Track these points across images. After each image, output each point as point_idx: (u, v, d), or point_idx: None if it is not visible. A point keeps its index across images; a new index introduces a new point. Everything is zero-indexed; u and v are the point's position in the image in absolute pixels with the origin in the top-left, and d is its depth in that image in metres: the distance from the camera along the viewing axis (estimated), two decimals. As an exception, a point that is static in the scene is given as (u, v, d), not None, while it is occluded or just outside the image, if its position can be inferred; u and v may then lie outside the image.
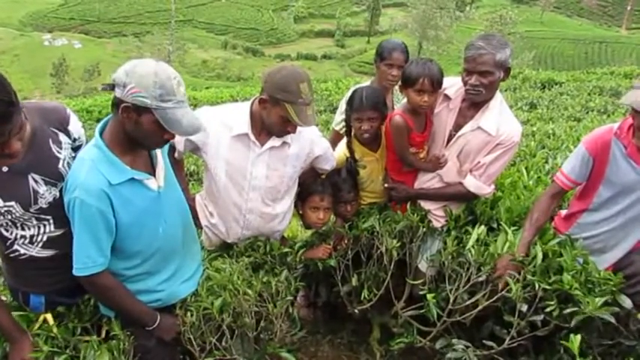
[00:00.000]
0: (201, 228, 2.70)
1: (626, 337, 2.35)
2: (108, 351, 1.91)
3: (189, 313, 2.13)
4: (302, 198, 2.83)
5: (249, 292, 2.26)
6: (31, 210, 1.88)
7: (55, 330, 1.98)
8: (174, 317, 2.17)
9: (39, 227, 1.93)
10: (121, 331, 2.00)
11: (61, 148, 1.94)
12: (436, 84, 2.53)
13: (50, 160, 1.91)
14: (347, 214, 2.91)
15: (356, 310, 2.87)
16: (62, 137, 1.96)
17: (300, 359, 3.12)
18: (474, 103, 2.59)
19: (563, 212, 2.69)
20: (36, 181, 1.87)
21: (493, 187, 2.73)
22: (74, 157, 1.97)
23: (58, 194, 1.93)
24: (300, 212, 2.88)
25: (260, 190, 2.55)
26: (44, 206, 1.90)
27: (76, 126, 2.02)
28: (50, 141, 1.91)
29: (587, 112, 8.10)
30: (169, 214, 2.12)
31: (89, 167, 1.86)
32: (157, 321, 2.11)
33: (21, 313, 2.03)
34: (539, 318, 2.28)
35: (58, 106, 2.02)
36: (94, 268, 1.91)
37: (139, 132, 1.86)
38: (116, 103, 1.83)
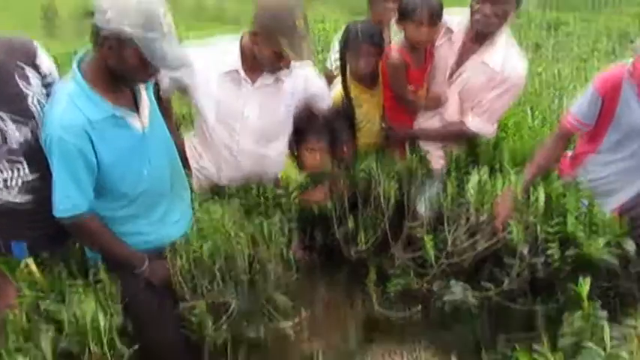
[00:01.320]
0: (191, 171, 2.59)
1: (625, 280, 2.29)
2: (94, 295, 1.84)
3: (178, 257, 2.05)
4: (297, 139, 2.69)
5: (242, 235, 2.18)
6: (1, 150, 1.76)
7: (38, 275, 1.90)
8: (163, 261, 2.09)
9: (12, 171, 1.81)
10: (107, 274, 1.93)
11: (29, 84, 1.79)
12: (436, 16, 2.34)
13: (16, 96, 1.76)
14: (343, 156, 2.79)
15: (352, 254, 2.80)
16: (29, 72, 1.80)
17: (295, 302, 3.09)
18: (478, 37, 2.41)
19: (569, 154, 2.57)
20: (2, 119, 1.73)
21: (496, 126, 2.60)
22: (47, 95, 1.83)
23: (30, 135, 1.80)
24: (295, 154, 2.76)
25: (252, 130, 2.41)
26: (14, 147, 1.77)
27: (45, 61, 1.86)
28: (16, 76, 1.76)
29: (595, 54, 7.81)
30: (155, 156, 2.01)
31: (66, 103, 1.73)
32: (146, 264, 2.03)
33: (3, 259, 1.95)
34: (539, 260, 2.21)
35: (25, 40, 1.85)
36: (76, 210, 1.81)
37: (120, 65, 1.71)
38: (96, 32, 1.67)
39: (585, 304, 1.38)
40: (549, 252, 2.15)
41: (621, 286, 2.25)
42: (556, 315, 2.65)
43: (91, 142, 1.77)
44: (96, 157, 1.80)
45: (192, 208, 2.32)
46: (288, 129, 2.56)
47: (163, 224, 2.10)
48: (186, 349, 2.31)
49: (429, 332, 2.85)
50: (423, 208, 2.70)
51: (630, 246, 2.17)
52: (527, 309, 2.60)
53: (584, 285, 1.41)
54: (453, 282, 2.39)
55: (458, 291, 2.32)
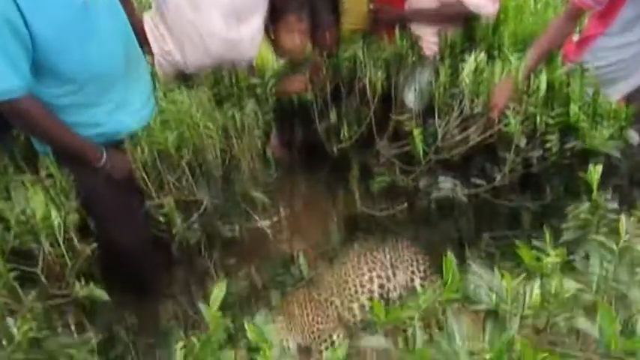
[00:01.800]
0: (153, 55, 2.28)
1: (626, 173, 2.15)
2: (43, 190, 1.63)
3: (139, 148, 1.82)
4: (274, 19, 2.36)
5: (211, 126, 1.95)
6: None
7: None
8: (123, 153, 1.87)
9: None
10: (58, 168, 1.71)
11: None
12: None
13: None
14: (326, 41, 2.48)
15: (335, 149, 2.61)
16: None
17: (275, 200, 2.95)
18: None
19: (575, 37, 2.32)
20: None
21: (497, 6, 2.30)
22: None
23: None
24: (272, 37, 2.44)
25: (221, 5, 2.09)
26: None
27: None
28: None
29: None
30: (104, 33, 1.72)
31: None
32: (103, 157, 1.81)
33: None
34: (536, 154, 2.05)
35: None
36: (12, 92, 1.55)
37: None
38: None
39: (595, 193, 1.23)
40: (548, 144, 1.98)
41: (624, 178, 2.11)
42: (550, 212, 2.57)
43: (20, 11, 1.47)
44: (28, 29, 1.51)
45: (156, 98, 2.06)
46: (262, 5, 2.23)
47: (119, 113, 1.84)
48: (155, 249, 2.17)
49: (413, 230, 2.76)
50: (412, 98, 2.47)
51: (634, 139, 2.01)
52: (515, 205, 2.50)
53: (595, 172, 1.24)
54: (442, 178, 2.23)
55: (447, 187, 2.17)
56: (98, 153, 1.80)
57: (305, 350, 2.29)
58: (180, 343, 0.97)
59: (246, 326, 0.92)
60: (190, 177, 1.95)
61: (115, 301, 2.33)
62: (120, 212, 1.93)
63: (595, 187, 1.25)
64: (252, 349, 0.96)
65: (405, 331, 1.09)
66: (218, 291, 0.97)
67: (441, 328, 0.99)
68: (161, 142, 1.85)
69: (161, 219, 1.91)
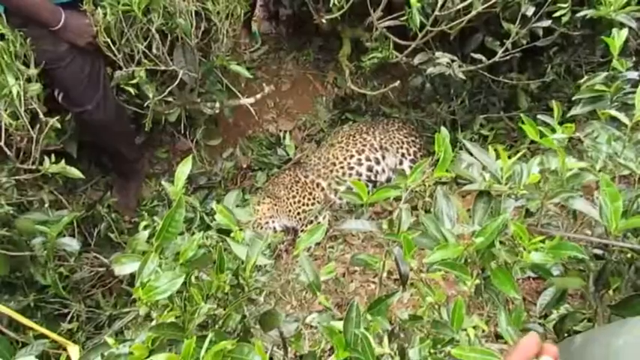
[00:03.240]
0: None
1: None
2: (-5, 55, 1.45)
3: (100, 10, 1.60)
4: None
5: (183, -13, 1.71)
6: None
7: None
8: (85, 16, 1.65)
9: None
10: (11, 30, 1.50)
11: None
12: None
13: None
14: None
15: (324, 21, 2.37)
16: None
17: (260, 78, 2.76)
18: None
19: None
20: None
21: None
22: None
23: None
24: None
25: None
26: None
27: None
28: None
29: None
30: None
31: None
32: (62, 19, 1.60)
33: None
34: (544, 25, 1.85)
35: None
36: None
37: None
38: None
39: (616, 59, 1.07)
40: (557, 14, 1.77)
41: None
42: (550, 94, 2.43)
43: None
44: None
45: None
46: None
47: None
48: (132, 125, 2.04)
49: (405, 112, 2.63)
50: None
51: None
52: (513, 84, 2.35)
53: (619, 37, 1.08)
54: (439, 53, 2.04)
55: (443, 62, 1.98)
56: (55, 14, 1.60)
57: (290, 231, 2.28)
58: (143, 223, 0.88)
59: (214, 207, 0.82)
60: (161, 45, 1.74)
61: (95, 180, 2.28)
62: (87, 81, 1.76)
63: (617, 52, 1.09)
64: (222, 231, 0.87)
65: (391, 212, 1.00)
66: (182, 167, 0.85)
67: (429, 211, 0.90)
68: (127, 2, 1.62)
69: (132, 91, 1.73)
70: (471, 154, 0.96)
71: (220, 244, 0.84)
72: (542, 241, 0.80)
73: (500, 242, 0.86)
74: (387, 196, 0.89)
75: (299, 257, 0.81)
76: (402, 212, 0.91)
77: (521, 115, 0.98)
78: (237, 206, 0.92)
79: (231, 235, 0.84)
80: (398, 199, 0.96)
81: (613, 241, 0.88)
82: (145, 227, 0.88)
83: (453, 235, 0.83)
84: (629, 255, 0.92)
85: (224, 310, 0.77)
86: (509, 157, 0.91)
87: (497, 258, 0.82)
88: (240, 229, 0.85)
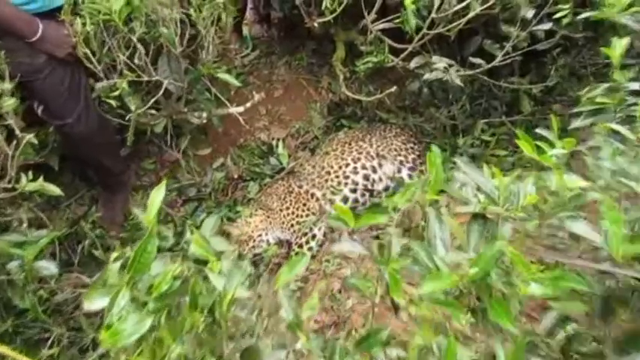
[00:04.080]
0: None
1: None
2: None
3: (79, 20, 1.57)
4: None
5: (166, -7, 1.68)
6: None
7: None
8: (63, 26, 1.62)
9: None
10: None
11: None
12: None
13: None
14: None
15: (316, 24, 2.34)
16: None
17: (252, 84, 2.73)
18: None
19: None
20: None
21: None
22: None
23: None
24: None
25: None
26: None
27: None
28: None
29: None
30: None
31: None
32: (39, 30, 1.57)
33: None
34: (545, 27, 1.82)
35: None
36: None
37: None
38: None
39: (617, 70, 1.04)
40: (559, 15, 1.73)
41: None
42: (553, 98, 2.40)
43: None
44: None
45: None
46: None
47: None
48: (117, 137, 2.01)
49: (402, 117, 2.60)
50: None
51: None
52: (515, 89, 2.32)
53: (619, 45, 1.04)
54: (436, 57, 2.00)
55: (440, 67, 1.95)
56: (32, 25, 1.57)
57: (284, 244, 2.24)
58: (115, 255, 0.84)
59: (188, 235, 0.79)
60: (144, 54, 1.71)
61: (80, 194, 2.24)
62: (67, 94, 1.73)
63: (618, 62, 1.05)
64: (199, 261, 0.83)
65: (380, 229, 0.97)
66: (156, 193, 0.81)
67: (420, 236, 0.86)
68: (107, 11, 1.58)
69: (113, 103, 1.70)
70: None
71: (196, 275, 0.81)
72: (542, 269, 0.76)
73: (498, 267, 0.82)
74: (374, 221, 0.85)
75: (278, 293, 0.78)
76: (391, 237, 0.87)
77: (517, 130, 0.94)
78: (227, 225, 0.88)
79: (208, 265, 0.81)
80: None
81: (618, 270, 0.84)
82: (117, 258, 0.85)
83: (445, 264, 0.80)
84: (632, 282, 0.88)
85: (200, 349, 0.74)
86: (511, 168, 0.88)
87: (494, 288, 0.79)
88: (219, 259, 0.81)
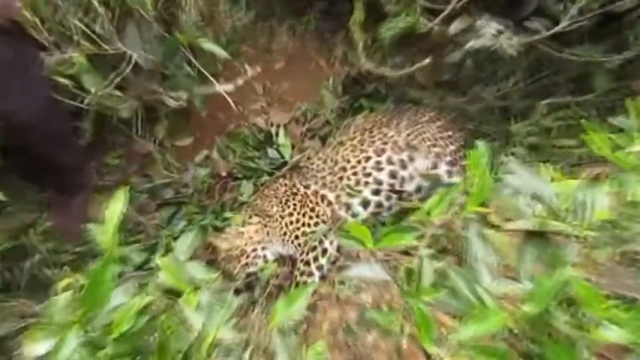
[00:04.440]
0: None
1: None
2: None
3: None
4: None
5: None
6: None
7: None
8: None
9: None
10: None
11: None
12: None
13: None
14: None
15: (327, -21, 2.34)
16: None
17: (244, 54, 2.73)
18: None
19: None
20: None
21: None
22: None
23: None
24: None
25: None
26: None
27: None
28: None
29: None
30: None
31: None
32: None
33: None
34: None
35: None
36: None
37: None
38: None
39: None
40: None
41: None
42: (633, 73, 2.38)
43: None
44: None
45: None
46: None
47: None
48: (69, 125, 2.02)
49: (439, 97, 2.59)
50: None
51: None
52: (584, 62, 2.30)
53: None
54: (481, 21, 1.99)
55: (488, 33, 1.94)
56: None
57: (287, 261, 2.24)
58: (64, 282, 0.84)
59: (157, 261, 0.78)
60: (108, 20, 1.71)
61: (25, 201, 2.26)
62: (9, 71, 1.74)
63: None
64: (172, 291, 0.83)
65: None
66: (114, 205, 0.81)
67: (459, 257, 0.85)
68: (57, -33, 1.59)
69: (68, 82, 1.71)
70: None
71: (168, 309, 0.80)
72: (619, 305, 0.75)
73: (560, 302, 0.81)
74: (399, 242, 0.84)
75: (272, 335, 0.77)
76: (422, 261, 0.86)
77: (583, 118, 0.92)
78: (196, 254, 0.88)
79: (183, 298, 0.80)
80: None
81: None
82: (66, 288, 0.85)
83: (491, 297, 0.78)
84: None
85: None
86: (580, 164, 0.86)
87: (555, 329, 0.77)
88: (196, 289, 0.81)
